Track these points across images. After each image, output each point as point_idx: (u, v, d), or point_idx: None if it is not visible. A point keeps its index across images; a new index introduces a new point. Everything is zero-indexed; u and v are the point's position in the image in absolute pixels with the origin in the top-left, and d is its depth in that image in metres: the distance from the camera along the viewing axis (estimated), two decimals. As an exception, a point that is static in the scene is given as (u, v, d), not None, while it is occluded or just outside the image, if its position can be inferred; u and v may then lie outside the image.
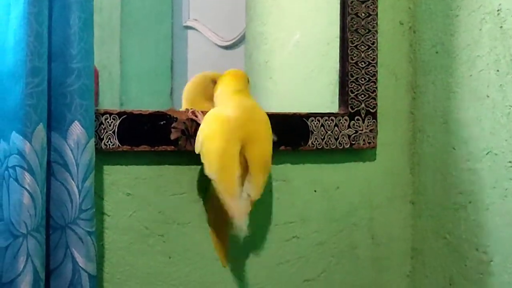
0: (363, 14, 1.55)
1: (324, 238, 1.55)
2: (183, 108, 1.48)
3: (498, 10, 1.41)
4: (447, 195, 1.54)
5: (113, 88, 1.63)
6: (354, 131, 1.54)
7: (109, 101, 1.60)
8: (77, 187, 1.23)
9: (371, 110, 1.56)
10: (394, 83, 1.61)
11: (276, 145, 1.44)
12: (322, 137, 1.51)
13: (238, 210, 1.32)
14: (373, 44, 1.56)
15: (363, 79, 1.55)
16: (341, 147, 1.53)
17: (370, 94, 1.56)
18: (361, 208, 1.59)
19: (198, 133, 1.35)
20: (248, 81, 1.42)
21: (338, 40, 1.55)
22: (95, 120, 1.29)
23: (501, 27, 1.40)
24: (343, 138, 1.53)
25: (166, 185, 1.41)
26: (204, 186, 1.42)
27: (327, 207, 1.55)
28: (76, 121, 1.23)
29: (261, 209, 1.48)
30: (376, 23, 1.56)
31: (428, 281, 1.59)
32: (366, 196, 1.59)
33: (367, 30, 1.55)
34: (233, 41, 1.75)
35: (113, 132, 1.34)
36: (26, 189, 1.17)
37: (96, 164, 1.27)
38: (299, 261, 1.53)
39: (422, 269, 1.61)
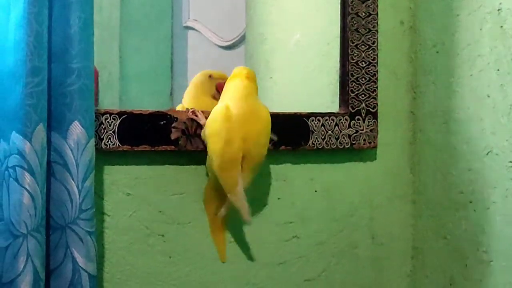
0: (363, 14, 1.55)
1: (324, 238, 1.55)
2: (180, 107, 1.49)
3: (498, 10, 1.41)
4: (448, 195, 1.53)
5: (113, 88, 1.63)
6: (355, 131, 1.54)
7: (109, 101, 1.60)
8: (77, 187, 1.23)
9: (371, 110, 1.56)
10: (395, 83, 1.61)
11: (276, 145, 1.44)
12: (323, 137, 1.51)
13: (242, 205, 1.35)
14: (373, 43, 1.56)
15: (363, 79, 1.55)
16: (341, 147, 1.53)
17: (371, 94, 1.55)
18: (361, 208, 1.58)
19: (204, 127, 1.37)
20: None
21: (338, 39, 1.55)
22: (95, 120, 1.29)
23: (501, 26, 1.40)
24: (343, 138, 1.53)
25: (166, 185, 1.41)
26: (204, 186, 1.42)
27: (327, 207, 1.55)
28: (76, 121, 1.23)
29: (261, 209, 1.48)
30: (377, 23, 1.55)
31: (428, 281, 1.59)
32: (367, 196, 1.59)
33: (367, 30, 1.55)
34: (233, 41, 1.75)
35: (113, 132, 1.33)
36: (26, 189, 1.17)
37: (96, 164, 1.27)
38: (299, 261, 1.53)
39: (423, 269, 1.60)
